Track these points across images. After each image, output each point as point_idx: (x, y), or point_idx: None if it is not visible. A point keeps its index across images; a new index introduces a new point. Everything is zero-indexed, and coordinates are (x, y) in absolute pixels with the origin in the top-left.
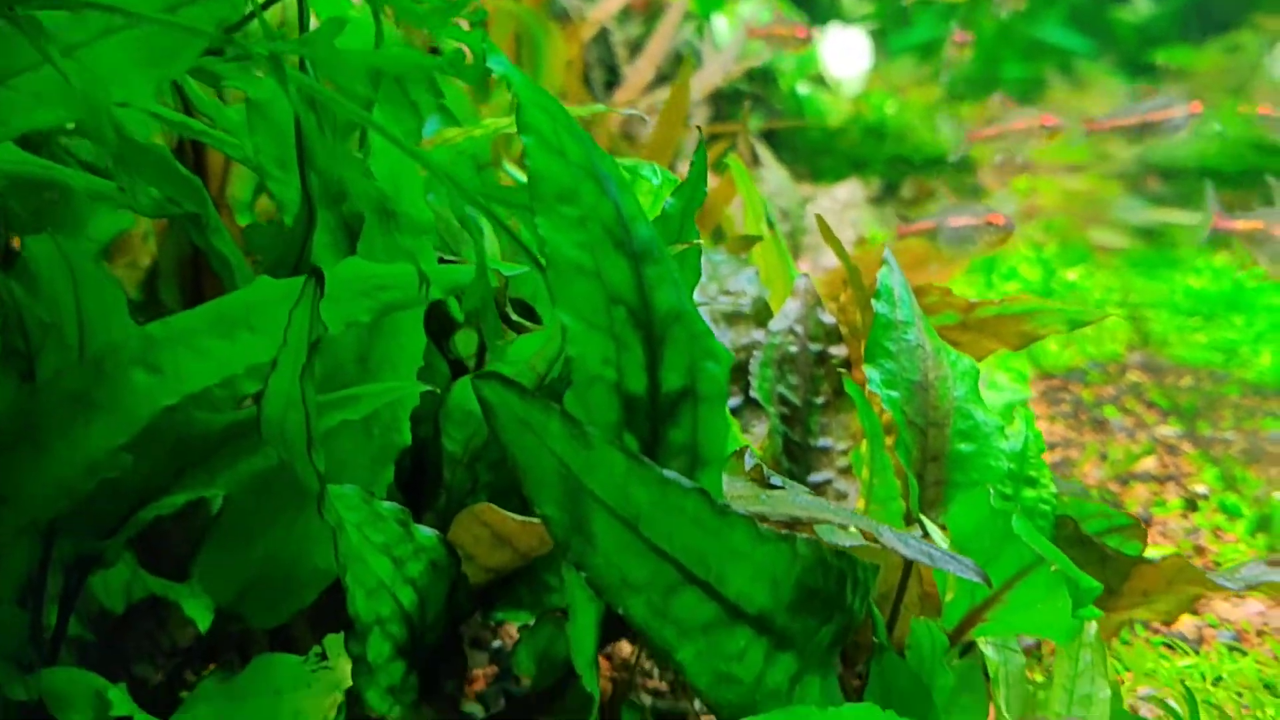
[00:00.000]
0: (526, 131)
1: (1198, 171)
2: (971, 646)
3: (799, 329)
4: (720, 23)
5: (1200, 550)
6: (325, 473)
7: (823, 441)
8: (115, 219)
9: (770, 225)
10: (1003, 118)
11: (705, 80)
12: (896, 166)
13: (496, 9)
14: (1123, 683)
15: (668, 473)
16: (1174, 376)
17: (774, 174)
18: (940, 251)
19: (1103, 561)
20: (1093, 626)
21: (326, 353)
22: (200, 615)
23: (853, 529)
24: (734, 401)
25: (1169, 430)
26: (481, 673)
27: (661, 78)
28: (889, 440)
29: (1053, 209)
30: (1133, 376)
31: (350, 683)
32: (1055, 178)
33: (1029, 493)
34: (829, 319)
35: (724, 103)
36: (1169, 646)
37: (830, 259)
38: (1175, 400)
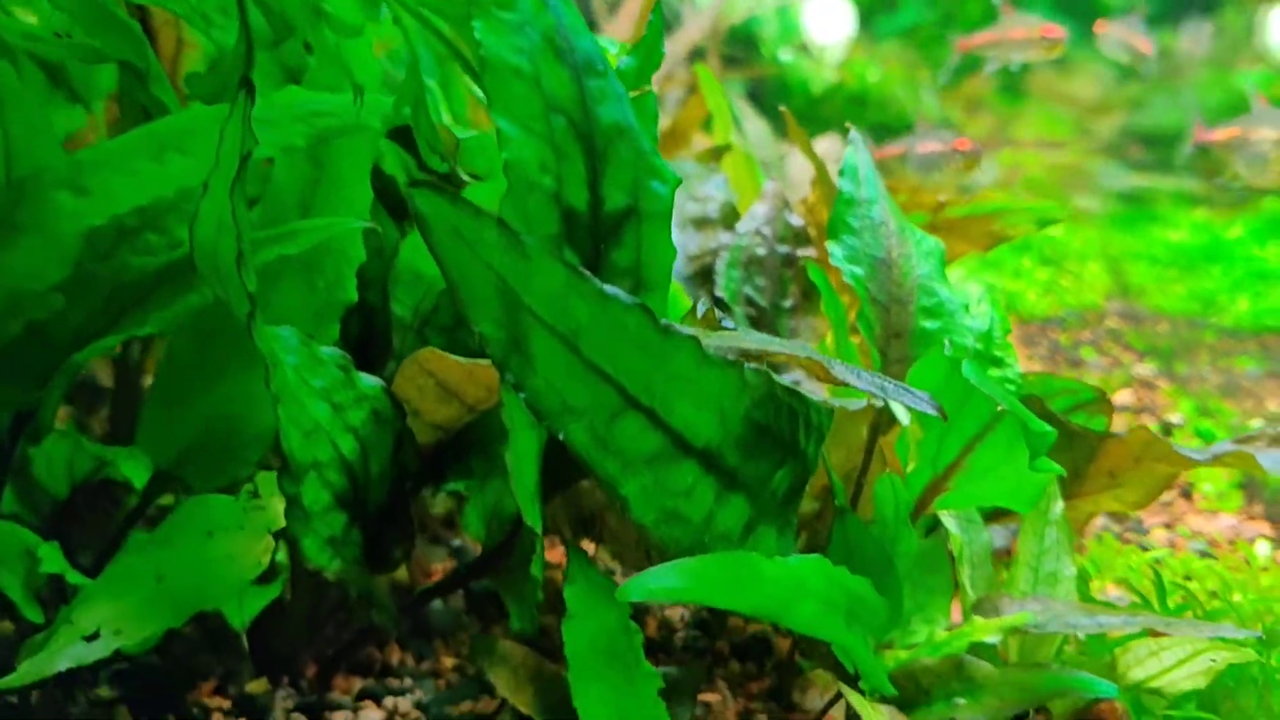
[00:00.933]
0: None
1: (1179, 137)
2: (937, 526)
3: (766, 231)
4: None
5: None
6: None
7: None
8: (68, 116)
9: (738, 128)
10: (1000, 23)
11: (684, 40)
12: (879, 134)
13: None
14: (1092, 582)
15: (609, 288)
16: (1152, 323)
17: (753, 125)
18: (908, 178)
19: (1070, 440)
20: (1058, 505)
21: (270, 200)
22: (137, 474)
23: (812, 388)
24: (700, 306)
25: (1146, 369)
26: (441, 567)
27: None
28: (853, 319)
29: (1036, 178)
30: (1111, 323)
31: (282, 523)
32: (1040, 152)
33: (994, 372)
34: (797, 221)
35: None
36: (1143, 550)
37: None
38: (1153, 343)
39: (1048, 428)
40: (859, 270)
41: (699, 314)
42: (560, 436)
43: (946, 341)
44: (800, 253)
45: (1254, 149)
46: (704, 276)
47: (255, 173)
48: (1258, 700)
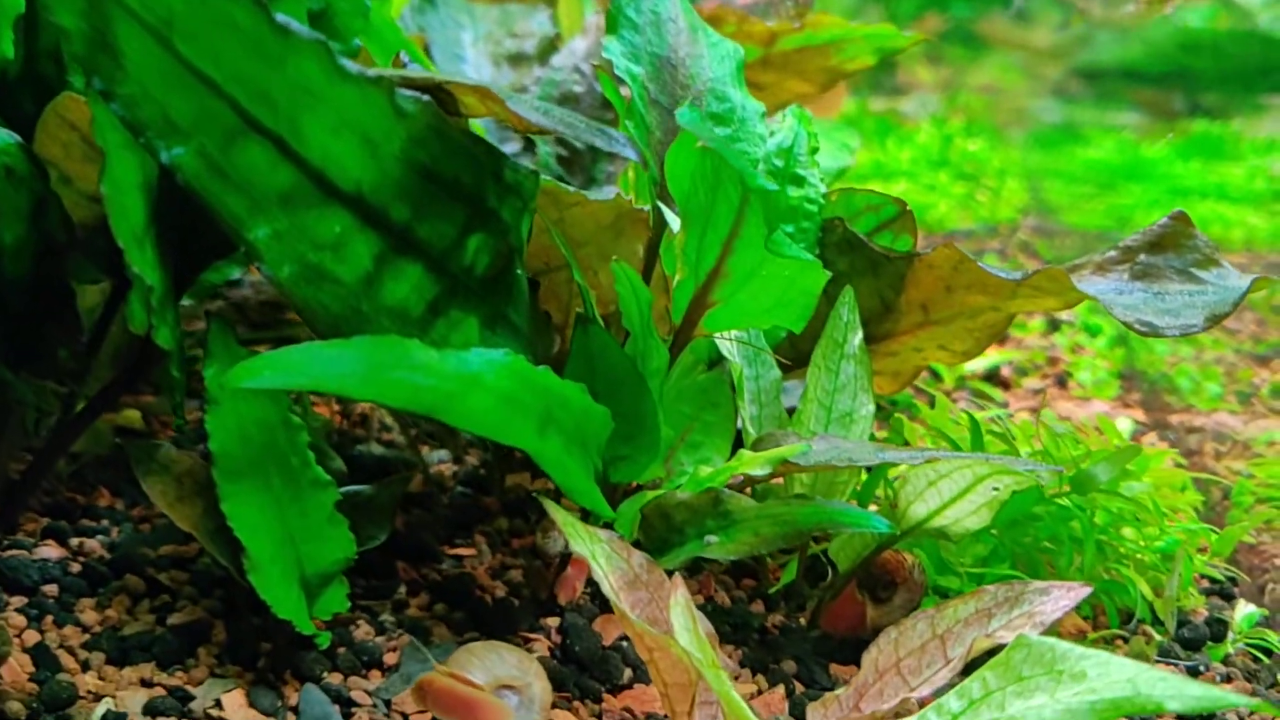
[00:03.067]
0: None
1: (1120, 73)
2: (720, 360)
3: (585, 67)
4: None
5: (1054, 361)
6: None
7: (608, 191)
8: None
9: None
10: None
11: None
12: None
13: None
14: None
15: None
16: (1063, 238)
17: None
18: None
19: (874, 268)
20: (856, 336)
21: None
22: None
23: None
24: (512, 146)
25: None
26: None
27: None
28: None
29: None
30: (1022, 236)
31: None
32: (986, 96)
33: (795, 192)
34: None
35: None
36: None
37: None
38: (1060, 255)
39: (765, 181)
40: (638, 69)
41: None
42: (164, 160)
43: (684, 108)
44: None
45: None
46: None
47: None
48: (1046, 534)
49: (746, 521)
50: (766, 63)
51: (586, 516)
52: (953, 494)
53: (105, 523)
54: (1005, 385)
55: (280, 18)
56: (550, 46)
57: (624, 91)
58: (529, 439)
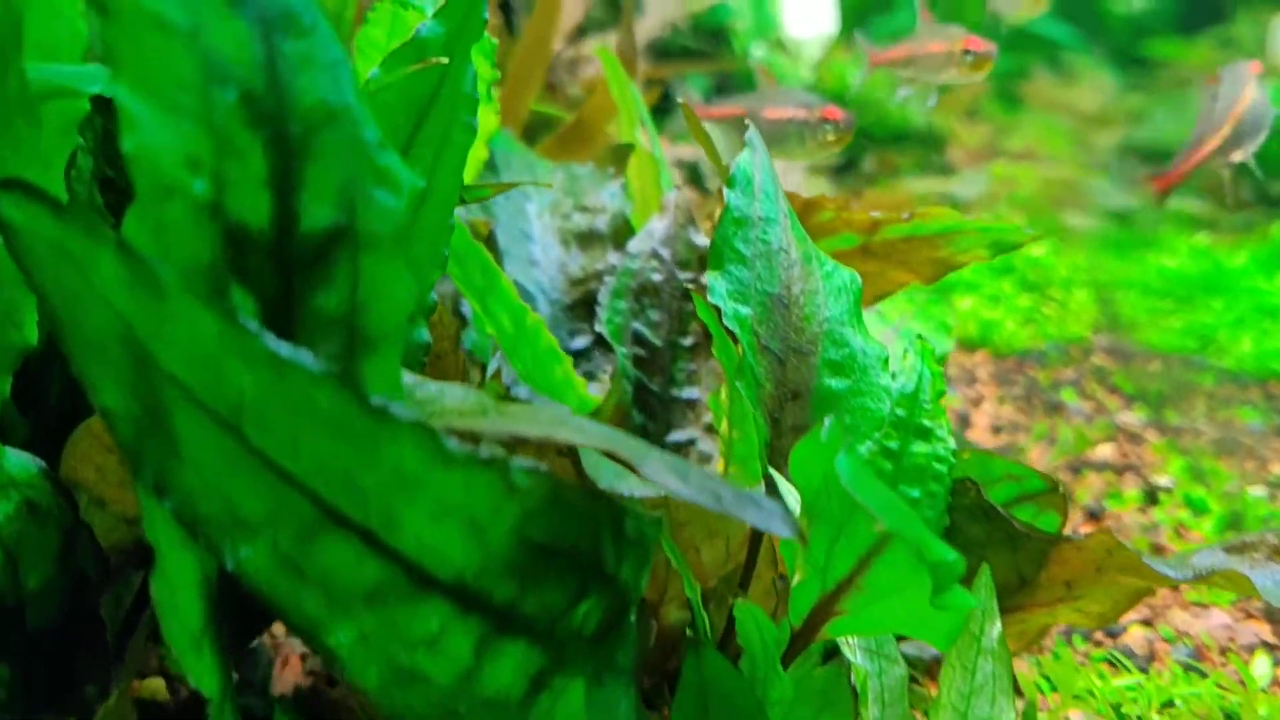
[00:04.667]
0: None
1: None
2: (836, 652)
3: (664, 252)
4: None
5: (1158, 549)
6: None
7: (688, 392)
8: None
9: (645, 128)
10: (917, 36)
11: (644, 31)
12: (857, 139)
13: None
14: (1047, 707)
15: (288, 348)
16: (1142, 361)
17: (713, 127)
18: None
19: (1012, 542)
20: (995, 627)
21: None
22: None
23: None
24: (581, 342)
25: (1132, 417)
26: None
27: (596, 24)
28: None
29: (1027, 195)
30: (1097, 360)
31: None
32: (1034, 166)
33: (920, 447)
34: (703, 240)
35: (668, 62)
36: (1111, 664)
37: None
38: (1142, 386)
39: (952, 554)
40: (746, 310)
41: (576, 353)
42: (228, 564)
43: (827, 420)
44: (705, 280)
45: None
46: (589, 307)
47: None
48: None
49: None
50: (867, 251)
51: None
52: None
53: None
54: None
55: (376, 400)
56: (625, 225)
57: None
58: None
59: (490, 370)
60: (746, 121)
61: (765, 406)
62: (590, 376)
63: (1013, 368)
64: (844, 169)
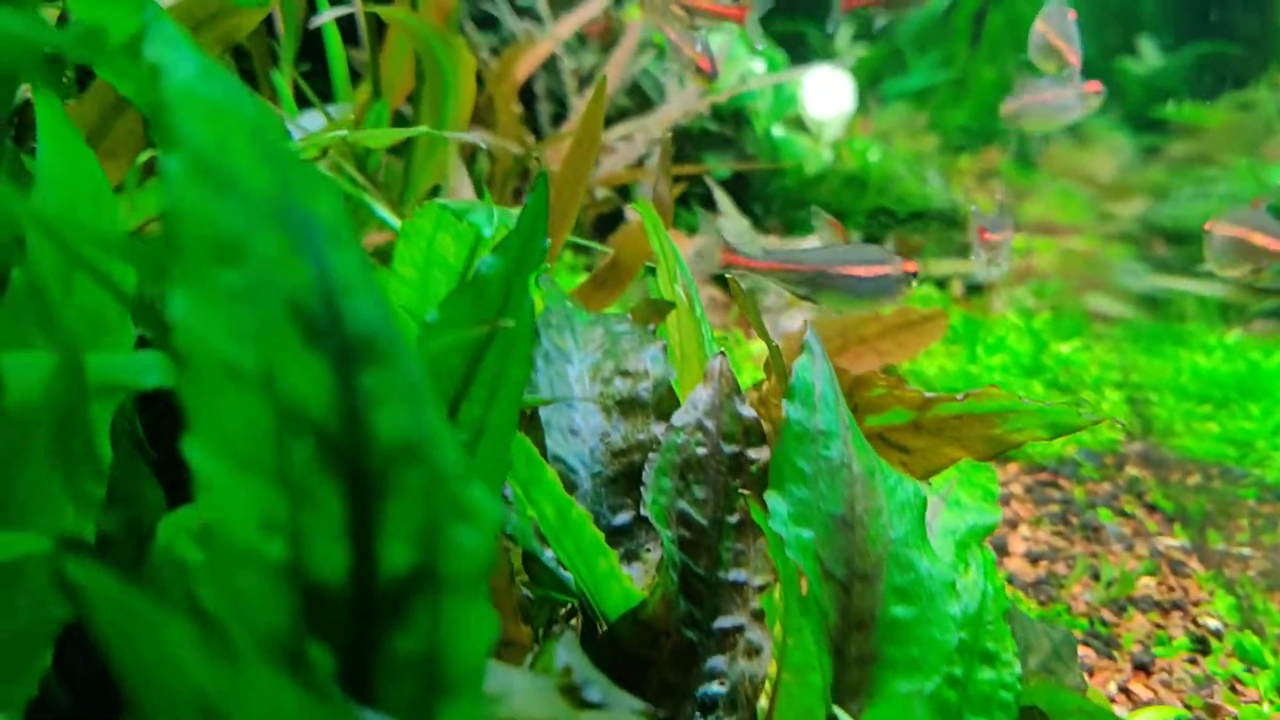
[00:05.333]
0: (172, 145)
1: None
2: None
3: (710, 424)
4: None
5: (1214, 710)
6: None
7: (735, 574)
8: None
9: (686, 287)
10: (1029, 88)
11: (665, 117)
12: (878, 219)
13: (392, 22)
14: None
15: (373, 716)
16: (1179, 473)
17: (733, 224)
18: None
19: None
20: None
21: None
22: None
23: None
24: (624, 518)
25: (1174, 542)
26: None
27: (619, 112)
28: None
29: (1048, 270)
30: (1132, 471)
31: None
32: (1054, 238)
33: (985, 674)
34: (748, 412)
35: (689, 145)
36: None
37: (790, 323)
38: (1181, 502)
39: None
40: (809, 534)
41: (618, 530)
42: None
43: (903, 686)
44: (752, 454)
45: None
46: (631, 480)
47: None
48: None
49: None
50: (919, 426)
51: None
52: None
53: None
54: None
55: None
56: (668, 393)
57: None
58: None
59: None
60: (823, 275)
61: (829, 637)
62: (633, 555)
63: (1047, 481)
64: None
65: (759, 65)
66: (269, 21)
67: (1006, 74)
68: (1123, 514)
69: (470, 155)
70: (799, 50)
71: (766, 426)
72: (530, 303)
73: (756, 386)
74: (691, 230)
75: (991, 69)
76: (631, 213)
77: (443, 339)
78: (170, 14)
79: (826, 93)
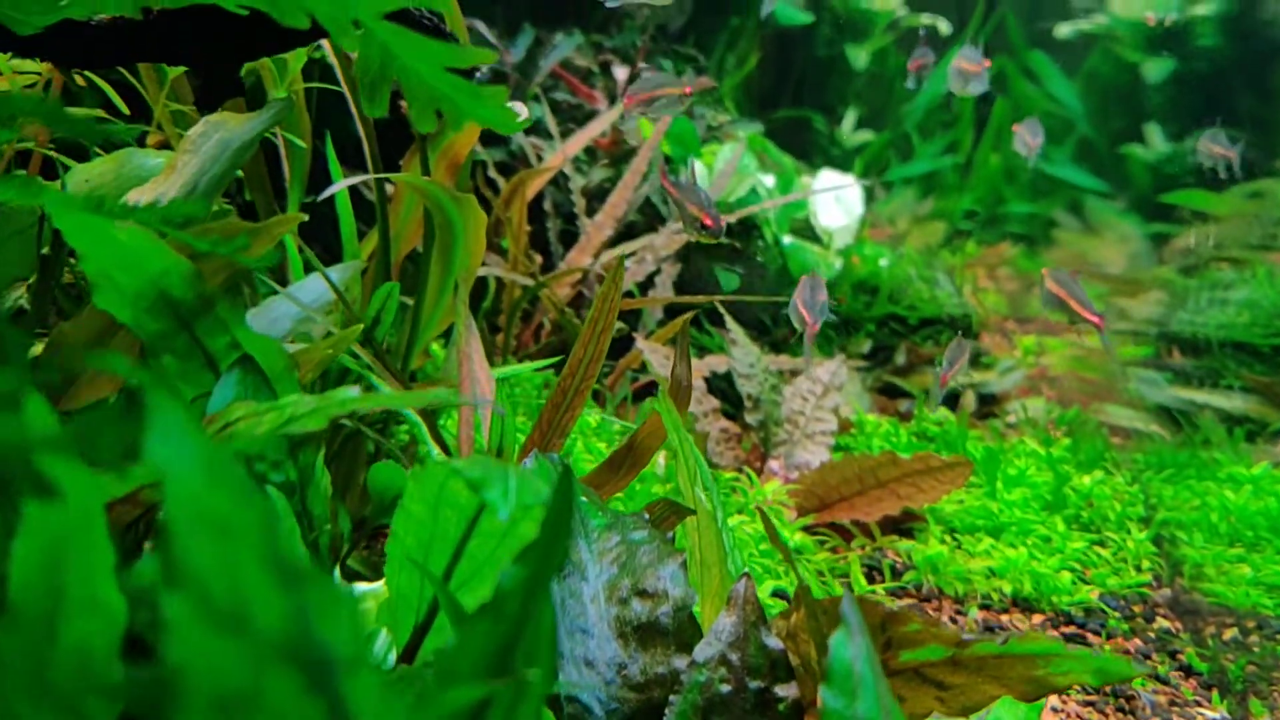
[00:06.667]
0: (178, 582)
1: (1222, 345)
2: None
3: (734, 657)
4: (698, 168)
5: None
6: None
7: None
8: None
9: (705, 490)
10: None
11: (674, 234)
12: (890, 330)
13: (402, 185)
14: None
15: None
16: (1214, 625)
17: (743, 353)
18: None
19: None
20: None
21: None
22: None
23: None
24: None
25: (1214, 715)
26: None
27: (628, 228)
28: None
29: (1061, 375)
30: (1162, 621)
31: None
32: (1064, 337)
33: None
34: (775, 644)
35: (698, 256)
36: None
37: (805, 455)
38: (1218, 662)
39: None
40: None
41: None
42: None
43: None
44: (780, 691)
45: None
46: (649, 716)
47: None
48: None
49: None
50: (956, 663)
51: None
52: None
53: None
54: None
55: None
56: (690, 620)
57: None
58: None
59: None
60: None
61: None
62: None
63: (1073, 634)
64: (876, 360)
65: (769, 180)
66: (275, 162)
67: (1011, 159)
68: (1155, 677)
69: (478, 289)
70: (804, 137)
71: (794, 659)
72: (552, 614)
73: (784, 615)
74: (702, 351)
75: (997, 155)
76: (643, 342)
77: (460, 695)
78: None
79: (835, 202)
